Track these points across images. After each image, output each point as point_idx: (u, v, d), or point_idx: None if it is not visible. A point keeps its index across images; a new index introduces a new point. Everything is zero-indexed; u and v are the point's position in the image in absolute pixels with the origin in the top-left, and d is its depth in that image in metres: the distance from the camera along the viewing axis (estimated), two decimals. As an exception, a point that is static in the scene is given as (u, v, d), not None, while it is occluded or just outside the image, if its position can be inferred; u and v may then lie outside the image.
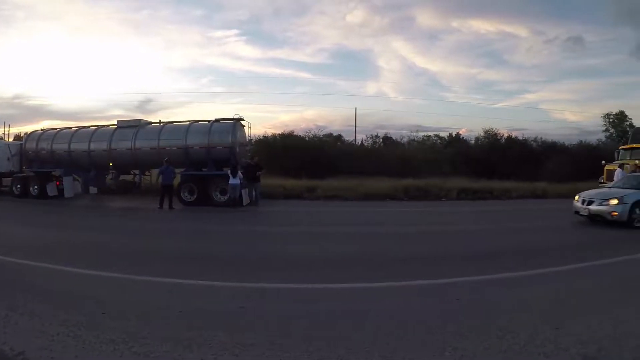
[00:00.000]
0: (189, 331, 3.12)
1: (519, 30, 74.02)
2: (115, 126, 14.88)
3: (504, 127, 45.01)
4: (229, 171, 12.19)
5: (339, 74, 77.14)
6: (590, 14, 65.93)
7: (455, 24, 70.44)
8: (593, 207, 9.43)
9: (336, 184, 16.35)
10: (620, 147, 21.92)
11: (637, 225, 8.84)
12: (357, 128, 29.65)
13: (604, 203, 9.24)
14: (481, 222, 10.50)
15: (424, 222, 10.47)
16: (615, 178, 16.04)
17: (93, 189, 14.60)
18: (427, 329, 3.37)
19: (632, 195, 9.19)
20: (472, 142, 33.85)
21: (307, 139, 27.81)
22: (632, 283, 4.73)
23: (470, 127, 54.31)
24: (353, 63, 74.10)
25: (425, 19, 67.53)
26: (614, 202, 9.03)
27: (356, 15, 67.07)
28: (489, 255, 6.20)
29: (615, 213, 8.93)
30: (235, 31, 75.15)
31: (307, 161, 21.97)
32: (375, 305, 4.01)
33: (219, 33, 69.13)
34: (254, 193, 13.08)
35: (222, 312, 3.69)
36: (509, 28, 71.90)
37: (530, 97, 67.65)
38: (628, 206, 8.88)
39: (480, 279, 4.80)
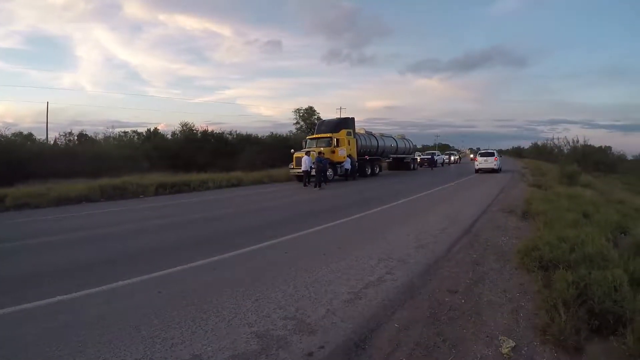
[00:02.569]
0: None
1: (223, 29, 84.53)
2: None
3: (203, 122, 49.94)
4: None
5: (31, 63, 64.69)
6: (289, 22, 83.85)
7: (162, 17, 72.44)
8: None
9: (27, 190, 15.79)
10: (308, 137, 25.75)
11: None
12: (50, 125, 28.21)
13: None
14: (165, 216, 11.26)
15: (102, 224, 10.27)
16: (302, 164, 19.49)
17: None
18: (133, 326, 3.54)
19: None
20: (170, 136, 36.32)
21: None
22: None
23: (169, 122, 57.08)
24: (49, 51, 64.11)
25: (133, 8, 66.03)
26: None
27: (61, -4, 57.38)
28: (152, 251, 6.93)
29: None
30: None
31: (-8, 166, 19.64)
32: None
33: None
34: None
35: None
36: (214, 27, 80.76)
37: (228, 93, 79.14)
38: None
39: (171, 271, 5.53)
